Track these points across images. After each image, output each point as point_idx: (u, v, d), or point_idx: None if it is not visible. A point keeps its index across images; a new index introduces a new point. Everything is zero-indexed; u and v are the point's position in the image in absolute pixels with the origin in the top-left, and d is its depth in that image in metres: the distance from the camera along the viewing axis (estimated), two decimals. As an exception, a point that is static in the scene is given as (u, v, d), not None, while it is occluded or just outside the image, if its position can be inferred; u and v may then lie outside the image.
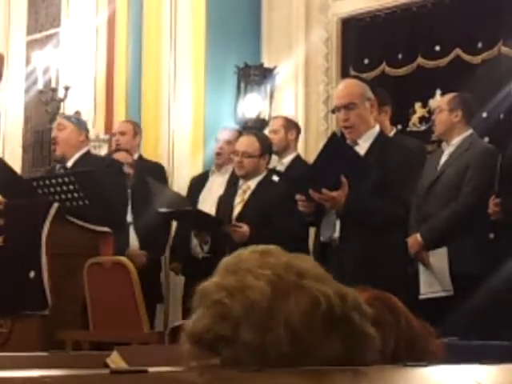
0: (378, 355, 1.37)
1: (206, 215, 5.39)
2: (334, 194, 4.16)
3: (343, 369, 1.24)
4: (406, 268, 4.57)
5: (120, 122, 7.12)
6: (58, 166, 5.77)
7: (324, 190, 4.16)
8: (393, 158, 4.35)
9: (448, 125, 5.12)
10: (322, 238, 4.40)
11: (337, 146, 4.25)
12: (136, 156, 6.50)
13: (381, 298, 1.84)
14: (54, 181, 5.12)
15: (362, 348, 1.32)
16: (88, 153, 5.77)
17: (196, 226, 5.55)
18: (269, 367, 1.19)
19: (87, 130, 5.87)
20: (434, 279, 4.93)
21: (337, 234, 4.32)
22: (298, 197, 4.31)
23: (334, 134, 4.43)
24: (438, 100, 5.40)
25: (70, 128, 5.66)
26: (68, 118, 5.92)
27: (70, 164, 5.62)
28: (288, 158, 6.05)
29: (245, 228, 5.07)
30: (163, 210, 5.56)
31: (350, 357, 1.30)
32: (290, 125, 6.21)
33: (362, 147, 4.38)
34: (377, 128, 4.49)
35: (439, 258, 4.92)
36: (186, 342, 1.30)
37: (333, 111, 4.74)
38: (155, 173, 6.33)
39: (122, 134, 6.64)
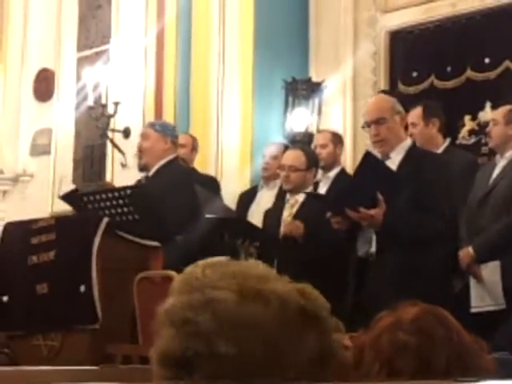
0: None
1: (256, 228, 5.38)
2: (372, 212, 4.17)
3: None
4: (448, 282, 4.48)
5: (181, 134, 7.12)
6: (143, 176, 5.71)
7: (362, 209, 4.17)
8: (426, 170, 4.34)
9: (504, 138, 5.07)
10: (359, 253, 4.40)
11: (371, 164, 4.27)
12: None
13: (433, 312, 1.83)
14: (104, 196, 5.16)
15: (337, 345, 1.32)
16: (173, 160, 5.58)
17: (243, 236, 5.48)
18: (247, 378, 1.18)
19: (174, 136, 5.66)
20: (485, 293, 4.87)
21: (373, 249, 4.33)
22: (329, 215, 4.34)
23: (367, 153, 4.46)
24: (493, 113, 5.34)
25: (153, 137, 5.52)
26: (152, 125, 5.75)
27: (151, 173, 5.50)
28: (333, 172, 6.04)
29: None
30: (210, 215, 5.54)
31: (326, 354, 1.29)
32: (337, 139, 6.22)
33: (394, 160, 4.40)
34: (408, 141, 4.52)
35: (491, 271, 4.85)
36: (158, 364, 1.28)
37: (363, 127, 4.78)
38: (209, 186, 6.35)
39: (182, 146, 6.65)
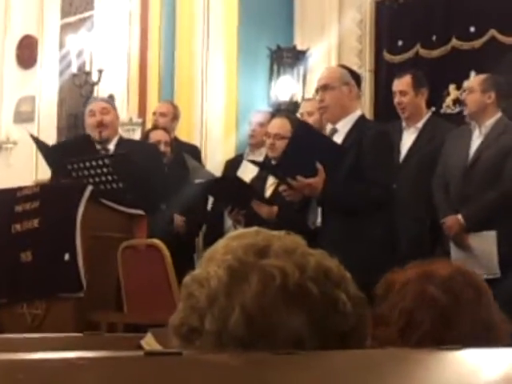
0: (357, 318, 1.28)
1: (242, 182, 5.38)
2: (310, 180, 4.22)
3: (384, 351, 1.23)
4: (390, 248, 4.38)
5: (162, 102, 7.10)
6: (99, 147, 5.74)
7: (299, 178, 4.21)
8: (365, 139, 4.36)
9: (480, 106, 5.07)
10: (308, 224, 4.46)
11: (307, 134, 4.33)
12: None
13: (465, 273, 1.79)
14: (87, 164, 5.14)
15: (331, 316, 1.27)
16: (121, 137, 5.78)
17: (231, 198, 5.46)
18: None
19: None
20: (474, 262, 4.83)
21: (319, 220, 4.39)
22: (281, 188, 4.38)
23: (300, 124, 4.56)
24: (469, 81, 5.35)
25: (112, 112, 5.67)
26: (109, 101, 5.90)
27: (111, 147, 5.57)
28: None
29: (271, 208, 5.06)
30: (199, 180, 5.57)
31: (319, 326, 1.26)
32: (324, 107, 6.21)
33: (341, 133, 4.44)
34: (357, 113, 4.54)
35: (485, 240, 4.83)
36: (171, 334, 1.32)
37: (313, 95, 4.87)
38: (190, 154, 6.36)
39: (163, 115, 6.65)
